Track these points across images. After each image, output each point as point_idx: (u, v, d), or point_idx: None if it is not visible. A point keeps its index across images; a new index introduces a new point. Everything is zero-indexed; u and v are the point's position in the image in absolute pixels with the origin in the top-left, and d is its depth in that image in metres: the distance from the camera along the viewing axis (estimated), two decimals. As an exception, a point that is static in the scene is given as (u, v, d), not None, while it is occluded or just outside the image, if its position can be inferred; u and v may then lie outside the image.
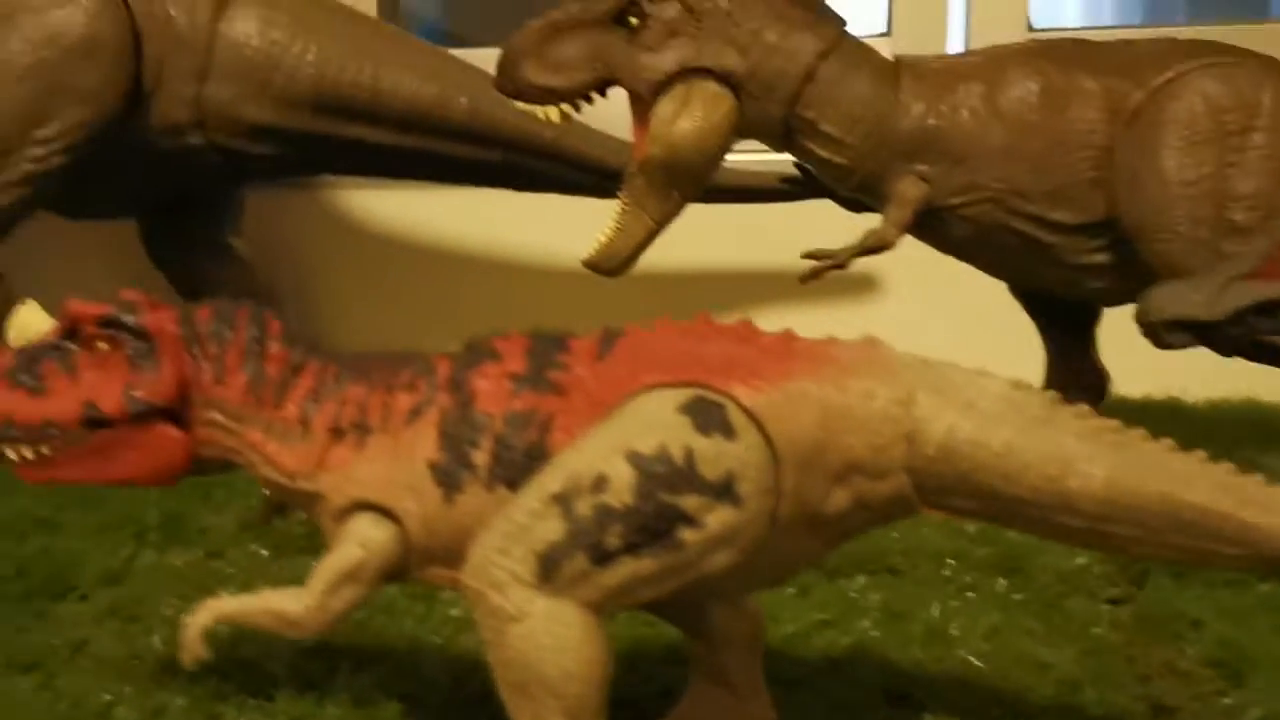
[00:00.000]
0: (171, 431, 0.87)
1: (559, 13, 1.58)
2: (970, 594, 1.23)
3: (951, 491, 0.81)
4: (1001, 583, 1.26)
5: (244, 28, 1.82)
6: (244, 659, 1.09)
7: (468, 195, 2.17)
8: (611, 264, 1.63)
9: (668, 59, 1.49)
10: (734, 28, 1.47)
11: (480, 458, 0.85)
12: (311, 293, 2.32)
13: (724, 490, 0.78)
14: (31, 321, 0.88)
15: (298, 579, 1.32)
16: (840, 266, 1.52)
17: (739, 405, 0.80)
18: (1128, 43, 1.53)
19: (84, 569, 1.33)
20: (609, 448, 0.79)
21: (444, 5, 2.96)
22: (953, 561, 1.30)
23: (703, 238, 2.03)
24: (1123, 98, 1.44)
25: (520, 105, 1.60)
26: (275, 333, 0.91)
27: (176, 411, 0.87)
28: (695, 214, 1.63)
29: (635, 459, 0.78)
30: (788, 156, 1.63)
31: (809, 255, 1.54)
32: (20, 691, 1.05)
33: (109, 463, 0.87)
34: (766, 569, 0.84)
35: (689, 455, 0.78)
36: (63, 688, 1.06)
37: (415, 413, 0.87)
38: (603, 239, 1.62)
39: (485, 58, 2.02)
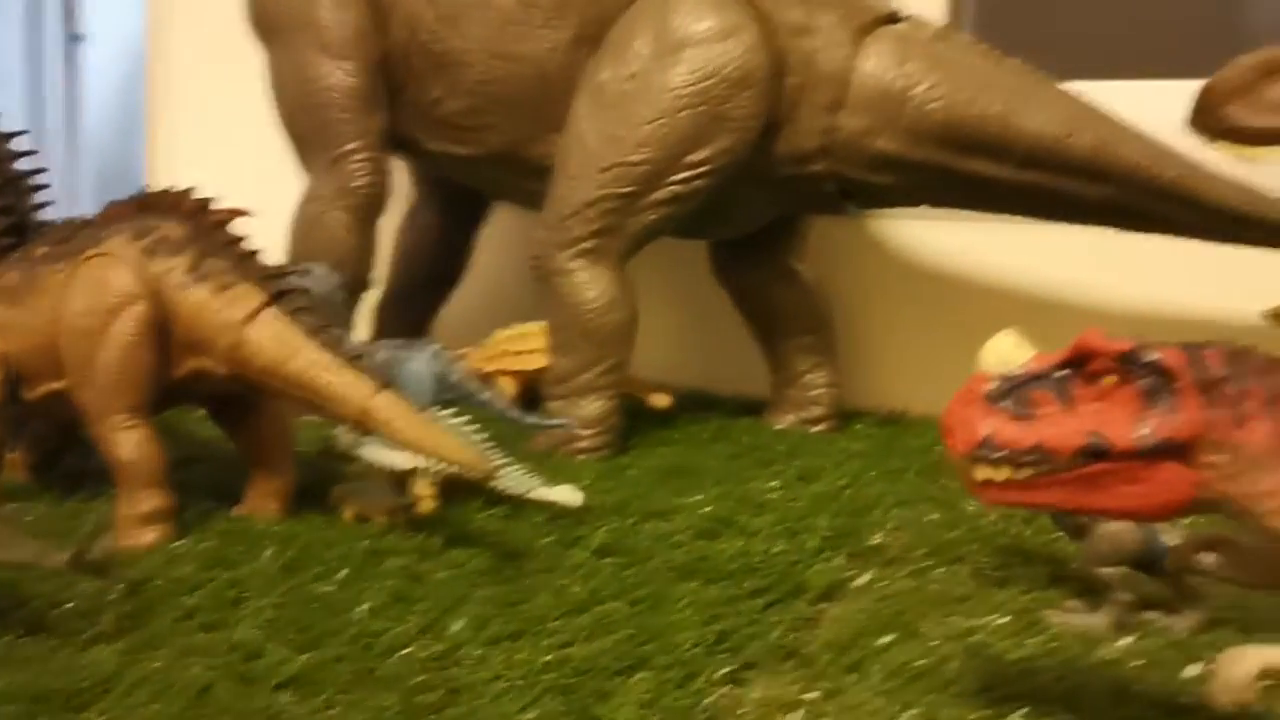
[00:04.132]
0: (1181, 470, 0.88)
1: (1276, 50, 1.51)
2: None
3: None
4: None
5: (880, 62, 1.89)
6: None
7: (1014, 229, 2.14)
8: (1307, 317, 1.53)
9: None
10: None
11: None
12: (861, 319, 2.37)
13: None
14: (1012, 348, 0.91)
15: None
16: None
17: None
18: None
19: (803, 578, 1.39)
20: None
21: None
22: None
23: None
24: None
25: (1220, 146, 1.55)
26: (1287, 382, 0.89)
27: (1183, 450, 0.88)
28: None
29: None
30: None
31: None
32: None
33: (1099, 493, 0.89)
34: None
35: None
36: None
37: None
38: (1298, 290, 1.53)
39: (1092, 90, 2.01)
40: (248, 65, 2.22)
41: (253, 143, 2.26)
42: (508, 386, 2.26)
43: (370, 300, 2.34)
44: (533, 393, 2.14)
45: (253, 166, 2.39)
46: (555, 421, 1.88)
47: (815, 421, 2.18)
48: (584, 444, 1.93)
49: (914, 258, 2.36)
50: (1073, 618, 1.30)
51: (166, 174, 3.11)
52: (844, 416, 2.22)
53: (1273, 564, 0.92)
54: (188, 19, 3.00)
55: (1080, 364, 0.89)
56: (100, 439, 1.44)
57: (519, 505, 1.59)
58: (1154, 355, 0.88)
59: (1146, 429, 0.87)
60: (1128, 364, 0.88)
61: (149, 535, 1.41)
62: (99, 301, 1.41)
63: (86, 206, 5.31)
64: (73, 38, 5.01)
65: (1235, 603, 1.28)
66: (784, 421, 2.19)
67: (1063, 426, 0.88)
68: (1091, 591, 1.34)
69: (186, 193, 1.50)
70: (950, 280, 2.33)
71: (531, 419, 1.89)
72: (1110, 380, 0.88)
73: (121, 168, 4.96)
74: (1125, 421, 0.87)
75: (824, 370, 2.20)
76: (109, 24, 4.99)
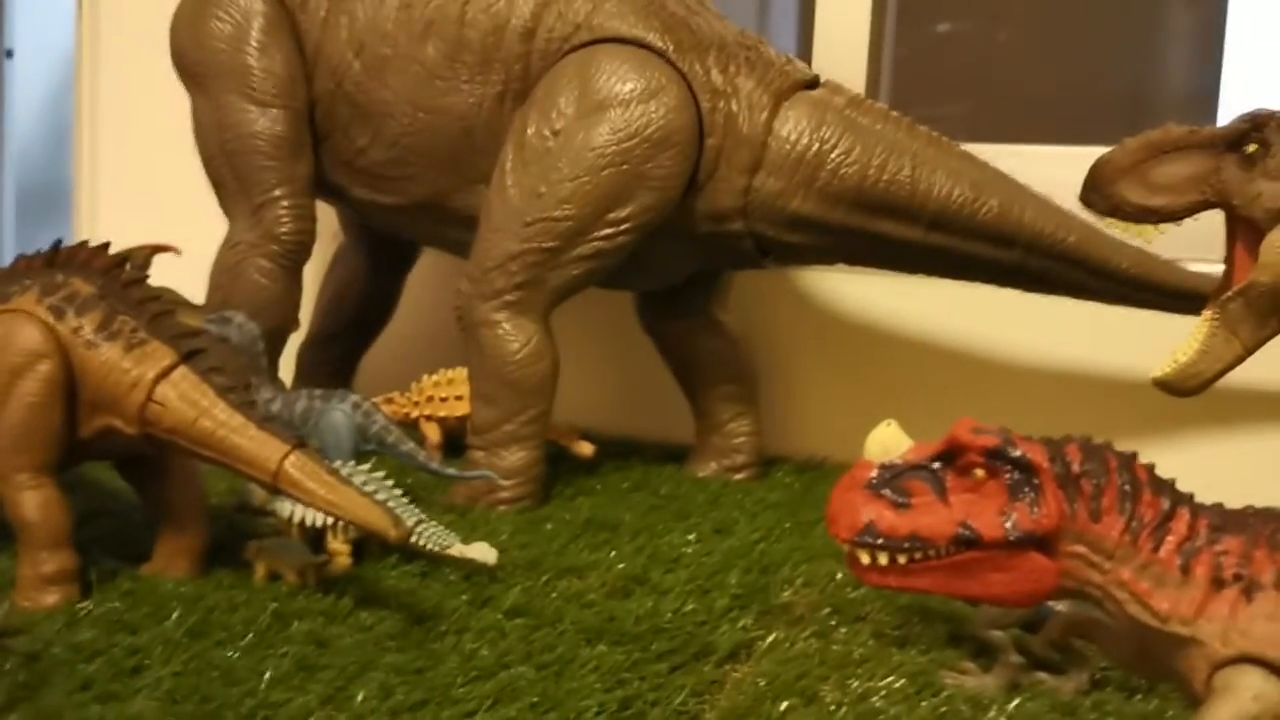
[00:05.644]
0: (1043, 560, 0.92)
1: (1160, 133, 1.59)
2: None
3: None
4: None
5: (796, 126, 1.94)
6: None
7: (933, 280, 2.22)
8: (1190, 385, 1.60)
9: (1297, 189, 1.47)
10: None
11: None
12: (783, 367, 2.42)
13: None
14: (893, 440, 0.95)
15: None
16: None
17: None
18: None
19: (710, 639, 1.42)
20: None
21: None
22: None
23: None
24: None
25: (1109, 222, 1.63)
26: (1145, 478, 0.95)
27: (1046, 542, 0.93)
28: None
29: None
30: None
31: None
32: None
33: (970, 580, 0.94)
34: None
35: None
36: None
37: None
38: (1181, 359, 1.60)
39: (992, 154, 2.09)
40: (179, 84, 2.21)
41: (182, 161, 2.24)
42: (432, 432, 2.27)
43: (294, 342, 2.33)
44: (458, 438, 2.15)
45: (182, 184, 2.36)
46: (476, 474, 1.89)
47: (737, 469, 2.22)
48: (505, 495, 1.94)
49: (835, 307, 2.42)
50: (966, 679, 1.35)
51: (93, 191, 3.07)
52: (765, 463, 2.26)
53: (1136, 647, 0.98)
54: (118, 35, 2.97)
55: (953, 457, 0.94)
56: (3, 497, 1.42)
57: (434, 562, 1.60)
58: (1018, 451, 0.93)
59: (1010, 522, 0.92)
60: (994, 459, 0.93)
61: (50, 597, 1.39)
62: (4, 360, 1.40)
63: (9, 223, 5.19)
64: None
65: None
66: (706, 469, 2.22)
67: (937, 516, 0.93)
68: (987, 652, 1.39)
69: (98, 249, 1.49)
70: (870, 329, 2.39)
71: (451, 471, 1.90)
72: (980, 474, 0.93)
73: (48, 184, 4.86)
74: (992, 513, 0.92)
75: (746, 419, 2.24)
76: (37, 40, 4.90)
